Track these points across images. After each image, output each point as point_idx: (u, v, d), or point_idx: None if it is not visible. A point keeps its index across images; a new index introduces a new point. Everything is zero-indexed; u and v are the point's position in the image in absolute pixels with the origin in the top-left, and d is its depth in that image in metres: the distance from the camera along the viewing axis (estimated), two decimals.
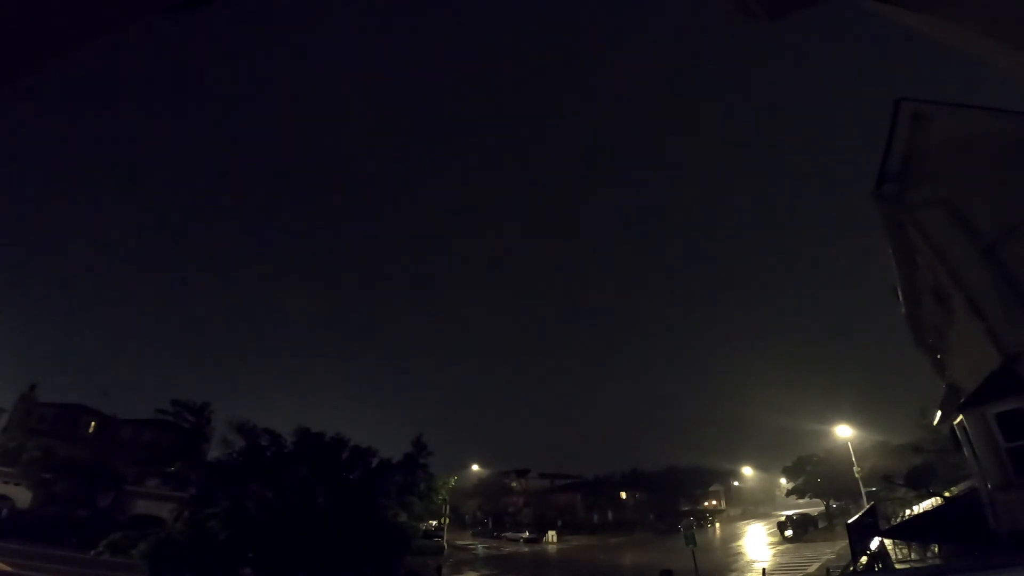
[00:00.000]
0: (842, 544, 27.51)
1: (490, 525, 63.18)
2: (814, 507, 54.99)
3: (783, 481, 67.89)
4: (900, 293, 17.24)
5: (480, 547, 48.02)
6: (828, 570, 23.63)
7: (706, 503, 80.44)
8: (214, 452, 31.09)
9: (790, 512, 49.86)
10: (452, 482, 39.47)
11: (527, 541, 52.92)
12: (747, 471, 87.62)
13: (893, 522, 26.36)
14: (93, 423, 46.33)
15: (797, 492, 57.04)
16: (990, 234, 10.91)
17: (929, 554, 16.86)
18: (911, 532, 19.07)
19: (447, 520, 45.60)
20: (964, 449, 13.06)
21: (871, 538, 21.28)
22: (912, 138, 12.50)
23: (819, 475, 52.50)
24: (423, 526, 33.19)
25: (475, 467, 69.77)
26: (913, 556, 18.32)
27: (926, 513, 21.70)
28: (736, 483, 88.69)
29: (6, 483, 35.81)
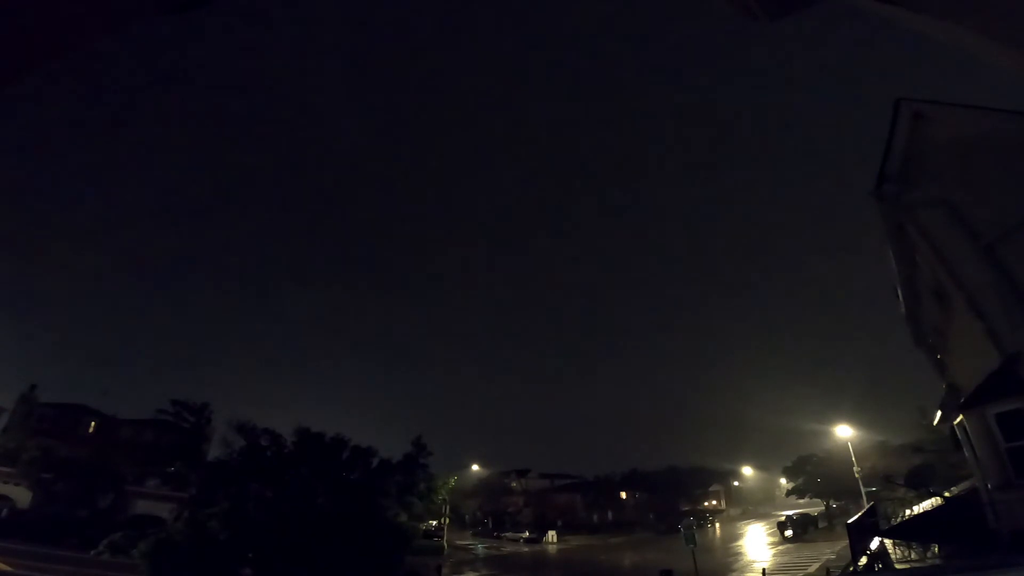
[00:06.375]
0: (842, 544, 27.51)
1: (490, 525, 63.16)
2: (814, 507, 55.02)
3: (783, 481, 67.96)
4: (900, 293, 17.23)
5: (480, 547, 48.03)
6: (828, 570, 23.62)
7: (706, 503, 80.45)
8: (214, 452, 31.13)
9: (790, 512, 49.87)
10: (452, 482, 39.43)
11: (527, 541, 52.92)
12: (747, 471, 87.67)
13: (893, 522, 26.33)
14: (93, 423, 46.35)
15: (797, 492, 57.08)
16: (990, 234, 10.90)
17: (929, 554, 16.87)
18: (911, 532, 19.04)
19: (447, 520, 45.58)
20: (964, 449, 13.07)
21: (871, 538, 21.26)
22: (912, 138, 12.49)
23: (819, 475, 52.54)
24: (423, 526, 33.17)
25: (475, 467, 69.76)
26: (913, 556, 18.33)
27: (926, 513, 21.66)
28: (736, 483, 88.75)
29: (6, 483, 35.80)
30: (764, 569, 25.48)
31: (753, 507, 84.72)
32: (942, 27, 2.35)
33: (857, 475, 37.78)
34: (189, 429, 42.72)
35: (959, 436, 13.06)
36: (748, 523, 65.80)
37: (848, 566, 21.94)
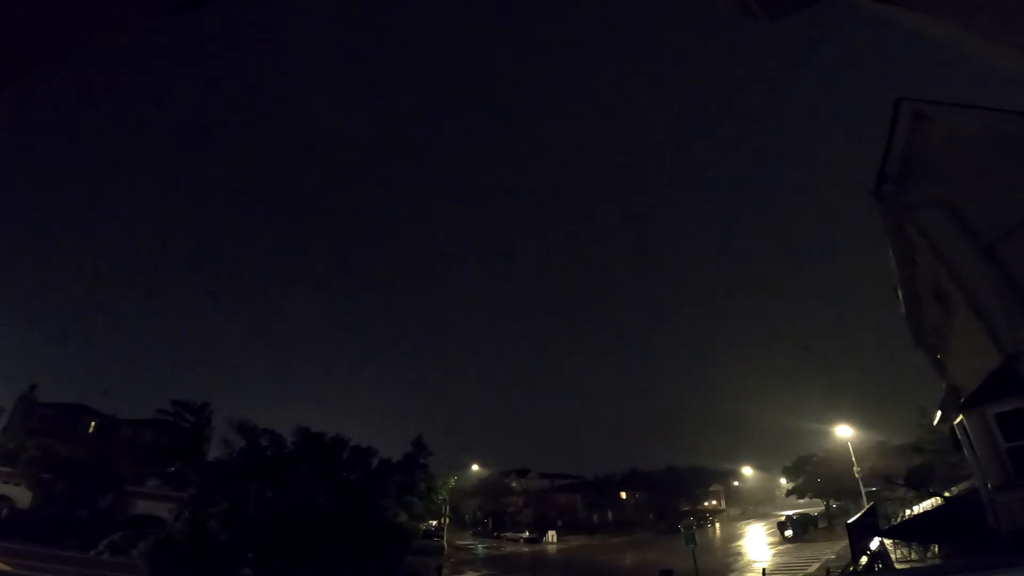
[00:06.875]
0: (842, 544, 27.51)
1: (490, 525, 63.17)
2: (814, 507, 54.98)
3: (783, 481, 67.86)
4: (900, 293, 17.23)
5: (480, 547, 48.06)
6: (828, 570, 23.62)
7: (706, 503, 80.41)
8: (214, 452, 31.13)
9: (790, 512, 49.87)
10: (452, 482, 39.45)
11: (527, 541, 52.93)
12: (747, 471, 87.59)
13: (893, 522, 26.35)
14: (93, 423, 46.30)
15: (797, 492, 57.03)
16: (990, 234, 10.89)
17: (929, 554, 16.88)
18: (911, 532, 19.07)
19: (447, 520, 45.57)
20: (964, 449, 13.05)
21: (871, 538, 21.27)
22: (912, 138, 12.49)
23: (819, 475, 52.49)
24: (423, 526, 33.17)
25: (475, 467, 69.71)
26: (913, 556, 18.34)
27: (926, 513, 21.67)
28: (736, 483, 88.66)
29: (6, 483, 35.78)
30: (764, 569, 25.50)
31: (753, 507, 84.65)
32: (942, 27, 2.35)
33: (857, 475, 37.77)
34: (189, 429, 42.69)
35: (959, 436, 13.05)
36: (748, 523, 65.79)
37: (848, 566, 21.94)
